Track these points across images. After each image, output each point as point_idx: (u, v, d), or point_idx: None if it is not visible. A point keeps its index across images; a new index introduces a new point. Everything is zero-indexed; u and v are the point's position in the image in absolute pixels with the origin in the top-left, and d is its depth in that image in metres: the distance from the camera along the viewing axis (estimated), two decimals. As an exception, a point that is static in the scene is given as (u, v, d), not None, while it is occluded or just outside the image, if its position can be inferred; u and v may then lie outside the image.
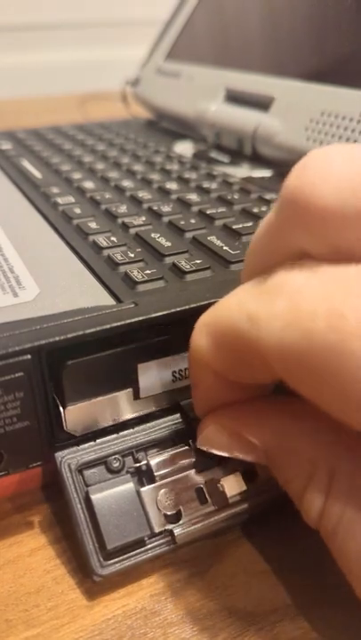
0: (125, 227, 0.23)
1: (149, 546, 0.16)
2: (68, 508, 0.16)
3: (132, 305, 0.17)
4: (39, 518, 0.18)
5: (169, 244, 0.21)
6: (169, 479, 0.16)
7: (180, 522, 0.16)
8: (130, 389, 0.17)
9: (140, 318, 0.16)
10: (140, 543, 0.15)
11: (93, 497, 0.15)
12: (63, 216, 0.24)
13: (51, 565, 0.16)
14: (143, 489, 0.16)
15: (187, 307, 0.16)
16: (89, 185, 0.28)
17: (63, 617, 0.15)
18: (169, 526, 0.16)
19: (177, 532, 0.16)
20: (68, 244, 0.22)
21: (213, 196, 0.26)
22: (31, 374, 0.15)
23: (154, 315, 0.16)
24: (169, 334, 0.16)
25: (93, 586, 0.16)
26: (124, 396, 0.17)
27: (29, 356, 0.15)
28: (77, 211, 0.24)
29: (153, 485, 0.16)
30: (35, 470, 0.17)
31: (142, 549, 0.16)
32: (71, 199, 0.26)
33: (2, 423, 0.15)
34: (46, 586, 0.16)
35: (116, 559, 0.15)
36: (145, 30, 0.51)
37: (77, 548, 0.16)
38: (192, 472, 0.16)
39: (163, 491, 0.16)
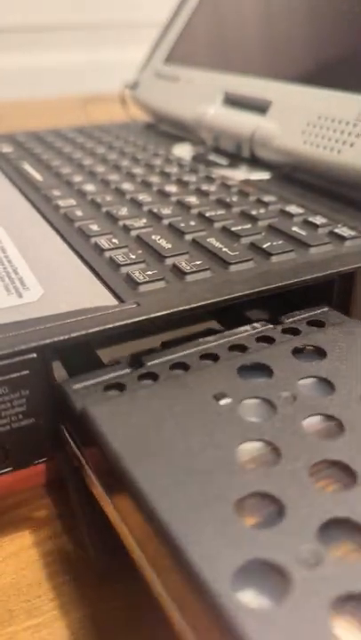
0: (126, 229, 0.23)
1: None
2: (70, 501, 0.16)
3: (135, 305, 0.17)
4: (41, 513, 0.18)
5: (169, 245, 0.21)
6: None
7: None
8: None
9: (143, 318, 0.16)
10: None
11: None
12: (65, 218, 0.25)
13: (52, 558, 0.17)
14: None
15: (187, 306, 0.17)
16: (89, 188, 0.29)
17: (64, 607, 0.16)
18: None
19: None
20: (70, 245, 0.22)
21: (212, 198, 0.27)
22: (36, 372, 0.15)
23: (156, 314, 0.16)
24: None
25: (94, 578, 0.16)
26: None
27: (35, 355, 0.15)
28: (79, 213, 0.25)
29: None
30: (39, 467, 0.17)
31: None
32: (72, 202, 0.27)
33: (8, 420, 0.15)
34: (48, 577, 0.16)
35: None
36: (148, 32, 0.51)
37: (79, 538, 0.16)
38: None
39: None
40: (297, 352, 0.16)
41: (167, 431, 0.13)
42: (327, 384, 0.15)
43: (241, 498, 0.11)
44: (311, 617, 0.09)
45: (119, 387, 0.15)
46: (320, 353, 0.16)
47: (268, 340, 0.17)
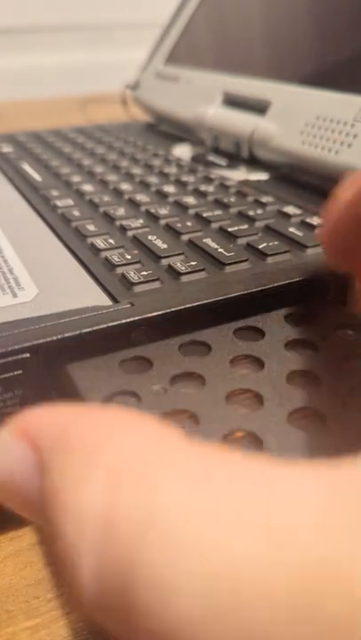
0: (123, 229, 0.23)
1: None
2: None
3: (129, 305, 0.17)
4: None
5: (165, 246, 0.21)
6: None
7: None
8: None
9: (136, 318, 0.16)
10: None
11: None
12: (62, 218, 0.25)
13: (51, 559, 0.17)
14: None
15: (181, 307, 0.17)
16: (88, 188, 0.29)
17: (62, 608, 0.16)
18: None
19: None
20: (66, 245, 0.22)
21: (210, 198, 0.27)
22: (30, 372, 0.15)
23: (149, 315, 0.16)
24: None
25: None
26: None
27: (28, 355, 0.15)
28: (76, 213, 0.25)
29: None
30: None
31: None
32: (70, 202, 0.27)
33: (1, 420, 0.15)
34: (46, 578, 0.16)
35: None
36: (148, 32, 0.51)
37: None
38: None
39: None
40: None
41: None
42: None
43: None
44: None
45: None
46: None
47: None
